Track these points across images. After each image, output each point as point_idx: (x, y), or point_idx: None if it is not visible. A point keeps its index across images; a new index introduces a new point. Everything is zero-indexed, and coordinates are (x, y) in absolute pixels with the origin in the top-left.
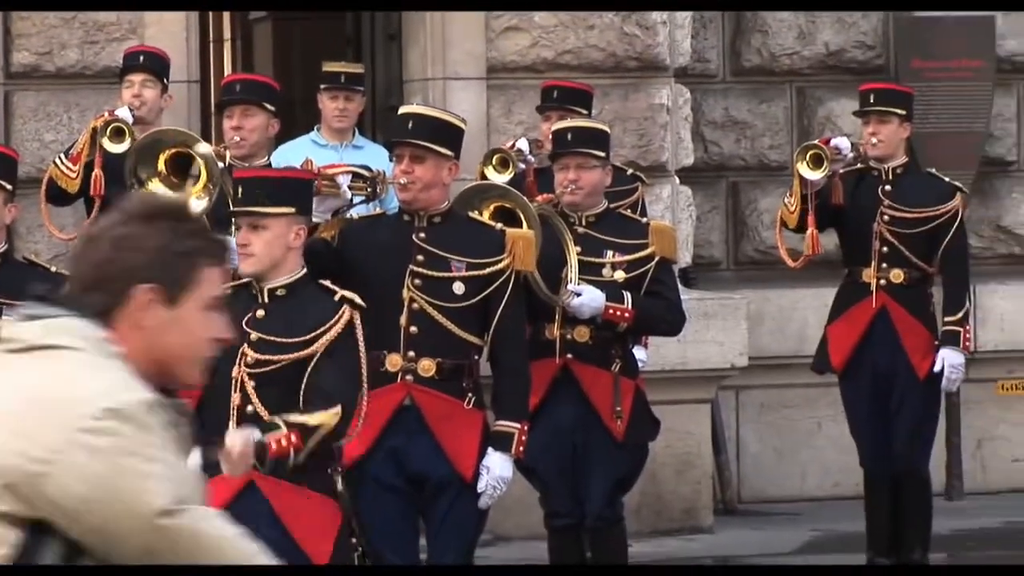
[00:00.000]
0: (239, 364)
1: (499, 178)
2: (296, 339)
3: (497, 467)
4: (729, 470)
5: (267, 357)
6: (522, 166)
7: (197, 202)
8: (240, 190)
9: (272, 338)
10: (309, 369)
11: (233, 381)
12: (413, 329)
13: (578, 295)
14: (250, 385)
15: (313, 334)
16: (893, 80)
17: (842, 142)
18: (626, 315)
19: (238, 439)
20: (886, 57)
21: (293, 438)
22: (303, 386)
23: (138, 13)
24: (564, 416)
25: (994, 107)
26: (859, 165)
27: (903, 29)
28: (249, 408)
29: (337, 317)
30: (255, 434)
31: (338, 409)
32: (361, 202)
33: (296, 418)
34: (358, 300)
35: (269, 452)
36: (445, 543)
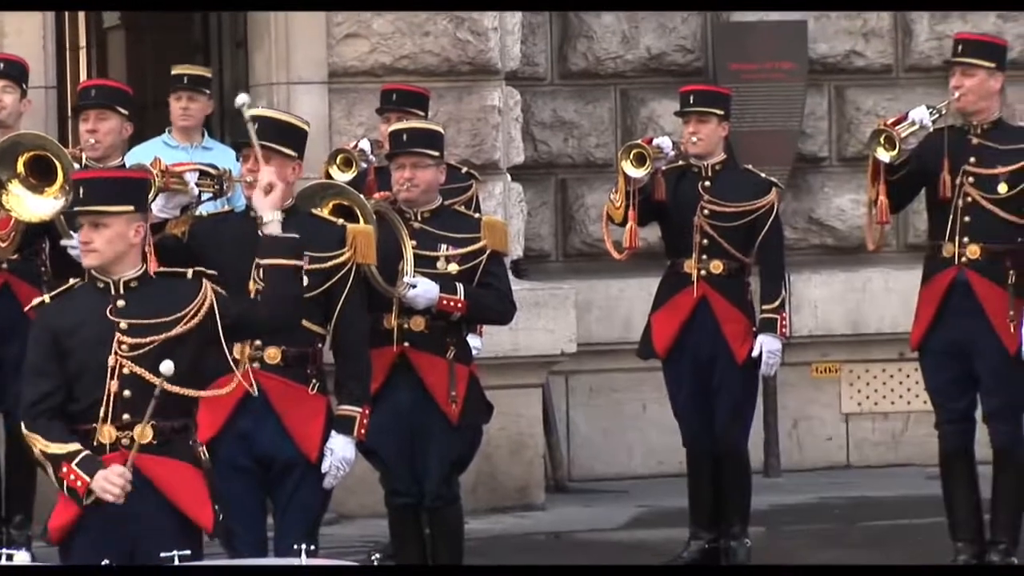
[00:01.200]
0: (114, 353)
1: (343, 177)
2: (168, 318)
3: (340, 449)
4: (560, 450)
5: (141, 340)
6: (364, 165)
7: (55, 202)
8: (81, 191)
9: (144, 321)
10: (188, 344)
11: (110, 370)
12: None
13: (413, 287)
14: (130, 369)
15: (183, 312)
16: (712, 82)
17: (664, 141)
18: (459, 305)
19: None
20: (705, 60)
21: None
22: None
23: None
24: (402, 401)
25: (806, 106)
26: (680, 162)
27: (720, 33)
28: (127, 393)
29: (203, 291)
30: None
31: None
32: (209, 199)
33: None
34: (209, 271)
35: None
36: (291, 521)
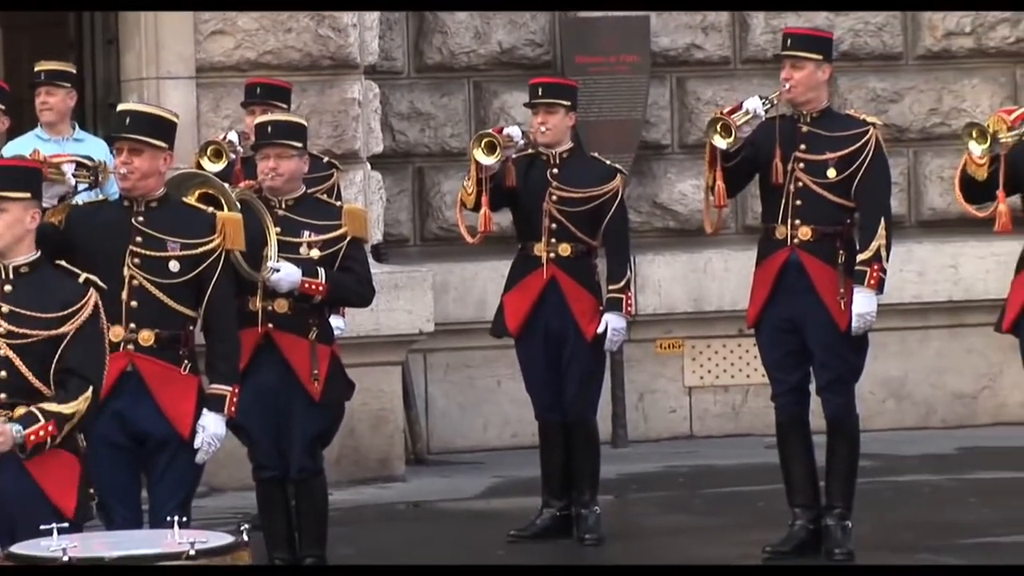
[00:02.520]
0: None
1: (213, 167)
2: (48, 315)
3: (212, 426)
4: (419, 424)
5: (22, 330)
6: (233, 156)
7: None
8: None
9: (24, 311)
10: (62, 348)
11: None
12: (133, 303)
13: (277, 271)
14: (7, 353)
15: (64, 312)
16: (559, 75)
17: (514, 130)
18: (320, 288)
19: None
20: (553, 54)
21: (50, 427)
22: (55, 365)
23: None
24: (267, 379)
25: (649, 97)
26: (530, 151)
27: (568, 28)
28: (3, 374)
29: (85, 300)
30: (14, 427)
31: (89, 393)
32: (85, 189)
33: (52, 407)
34: (100, 283)
35: (28, 444)
36: (165, 495)
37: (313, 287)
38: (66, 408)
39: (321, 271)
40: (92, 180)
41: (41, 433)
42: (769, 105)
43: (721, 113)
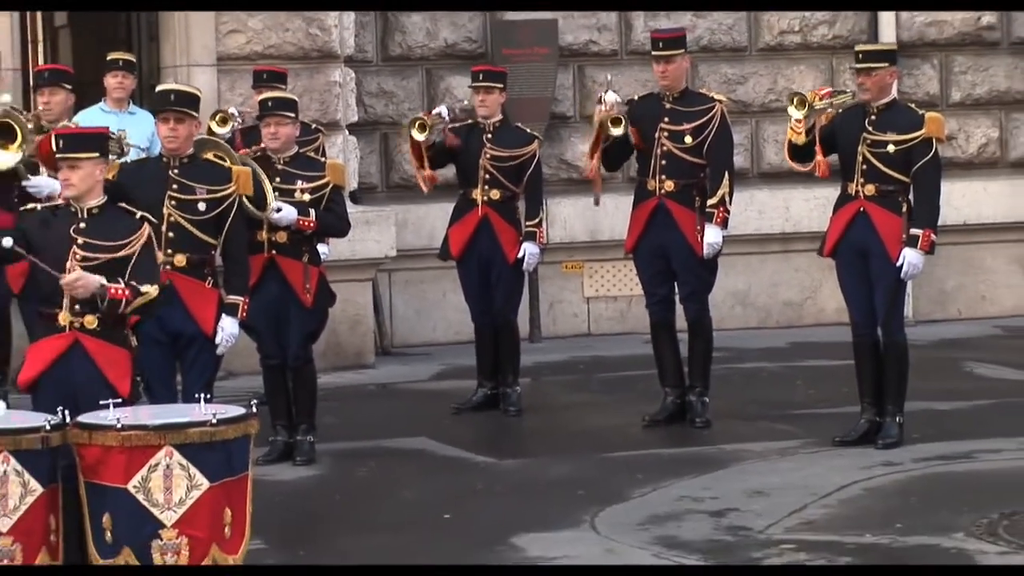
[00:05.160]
0: (71, 259)
1: (220, 130)
2: (111, 243)
3: (229, 327)
4: (385, 325)
5: (92, 255)
6: (236, 124)
7: (16, 155)
8: (62, 142)
9: (95, 241)
10: (130, 267)
11: (68, 271)
12: (171, 234)
13: (278, 211)
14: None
15: (123, 241)
16: (492, 63)
17: (442, 109)
18: (311, 224)
19: (76, 273)
20: (486, 47)
21: (128, 292)
22: (127, 275)
23: None
24: (271, 291)
25: (557, 80)
26: (469, 121)
27: (496, 27)
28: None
29: (142, 230)
30: (100, 279)
31: (157, 288)
32: (116, 157)
33: (131, 283)
34: (151, 218)
35: (108, 293)
36: (194, 378)
37: (306, 223)
38: (141, 287)
39: (311, 211)
40: (117, 150)
41: (118, 291)
42: (648, 92)
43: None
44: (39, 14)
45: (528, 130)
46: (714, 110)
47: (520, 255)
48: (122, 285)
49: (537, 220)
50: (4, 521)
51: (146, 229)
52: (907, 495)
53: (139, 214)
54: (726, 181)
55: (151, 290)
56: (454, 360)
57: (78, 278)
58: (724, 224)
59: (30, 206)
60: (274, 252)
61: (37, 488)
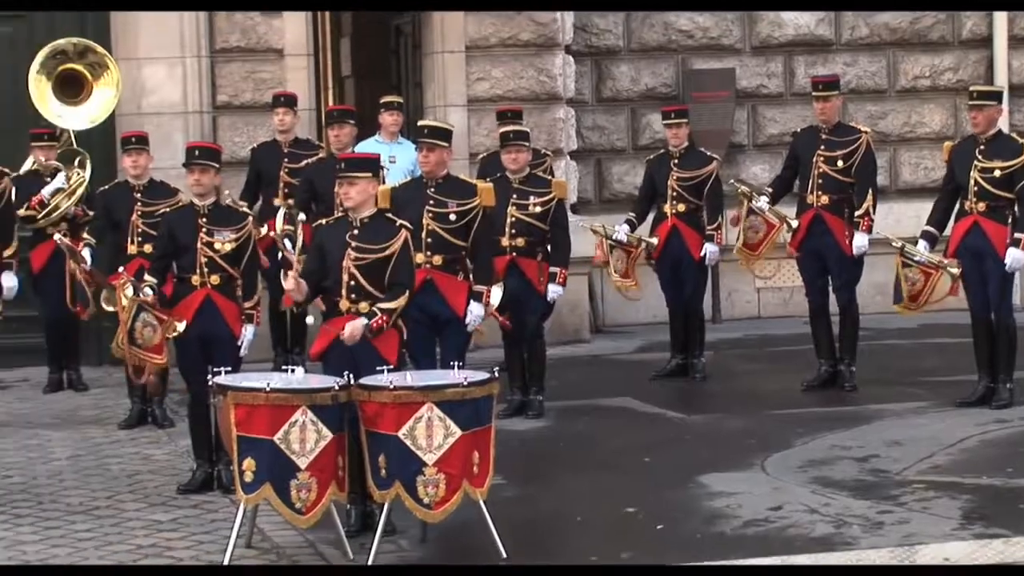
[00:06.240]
0: (346, 260)
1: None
2: (377, 246)
3: (476, 310)
4: (599, 309)
5: (363, 256)
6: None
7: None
8: (343, 164)
9: (365, 245)
10: (391, 265)
11: (344, 270)
12: (429, 239)
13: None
14: (354, 271)
15: (388, 243)
16: (681, 103)
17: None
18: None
19: (350, 327)
20: (679, 91)
21: (385, 318)
22: (387, 278)
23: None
24: (513, 284)
25: (735, 116)
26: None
27: (687, 75)
28: (353, 283)
29: (400, 235)
30: (362, 322)
31: (407, 294)
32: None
33: (384, 305)
34: (408, 225)
35: (372, 327)
36: (450, 350)
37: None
38: (392, 304)
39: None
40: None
41: (379, 322)
42: None
43: None
44: (329, 65)
45: (708, 153)
46: (861, 139)
47: (703, 254)
48: (379, 316)
49: (716, 225)
50: (303, 460)
51: (403, 234)
52: (1016, 446)
53: (399, 222)
54: (870, 196)
55: (399, 302)
56: (652, 337)
57: (351, 334)
58: (869, 230)
59: (322, 221)
60: (514, 254)
61: (328, 435)
